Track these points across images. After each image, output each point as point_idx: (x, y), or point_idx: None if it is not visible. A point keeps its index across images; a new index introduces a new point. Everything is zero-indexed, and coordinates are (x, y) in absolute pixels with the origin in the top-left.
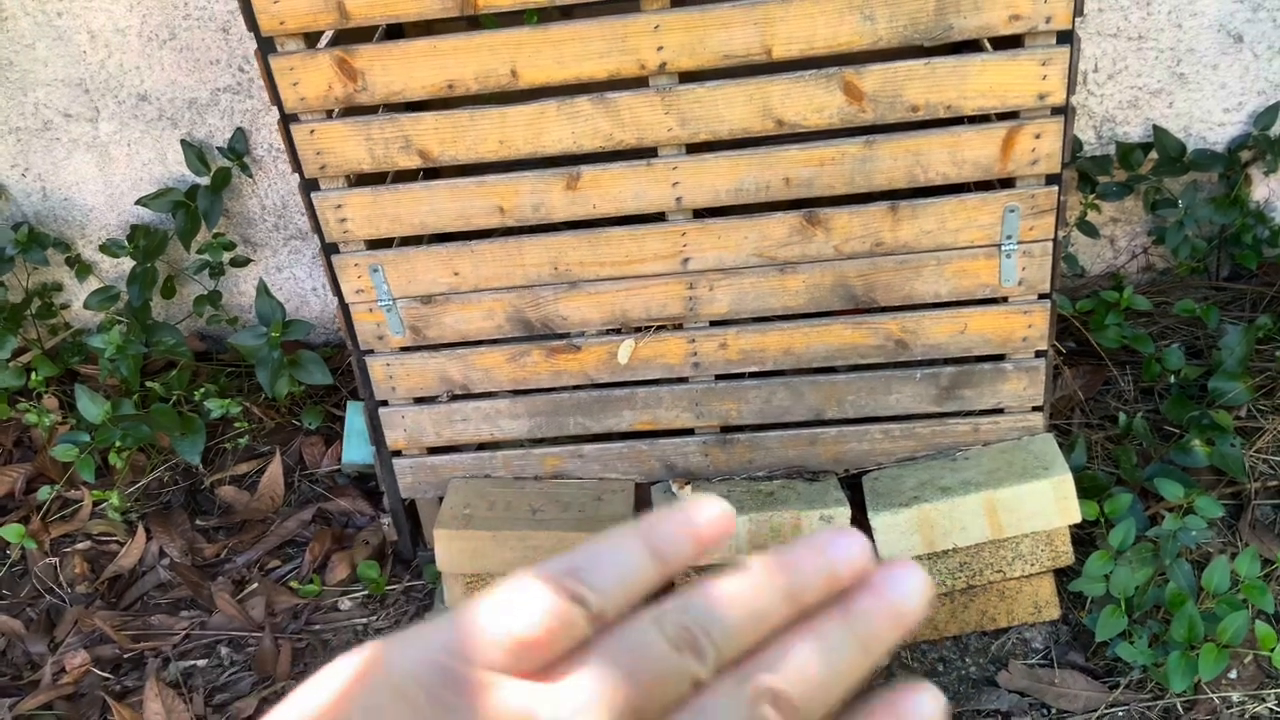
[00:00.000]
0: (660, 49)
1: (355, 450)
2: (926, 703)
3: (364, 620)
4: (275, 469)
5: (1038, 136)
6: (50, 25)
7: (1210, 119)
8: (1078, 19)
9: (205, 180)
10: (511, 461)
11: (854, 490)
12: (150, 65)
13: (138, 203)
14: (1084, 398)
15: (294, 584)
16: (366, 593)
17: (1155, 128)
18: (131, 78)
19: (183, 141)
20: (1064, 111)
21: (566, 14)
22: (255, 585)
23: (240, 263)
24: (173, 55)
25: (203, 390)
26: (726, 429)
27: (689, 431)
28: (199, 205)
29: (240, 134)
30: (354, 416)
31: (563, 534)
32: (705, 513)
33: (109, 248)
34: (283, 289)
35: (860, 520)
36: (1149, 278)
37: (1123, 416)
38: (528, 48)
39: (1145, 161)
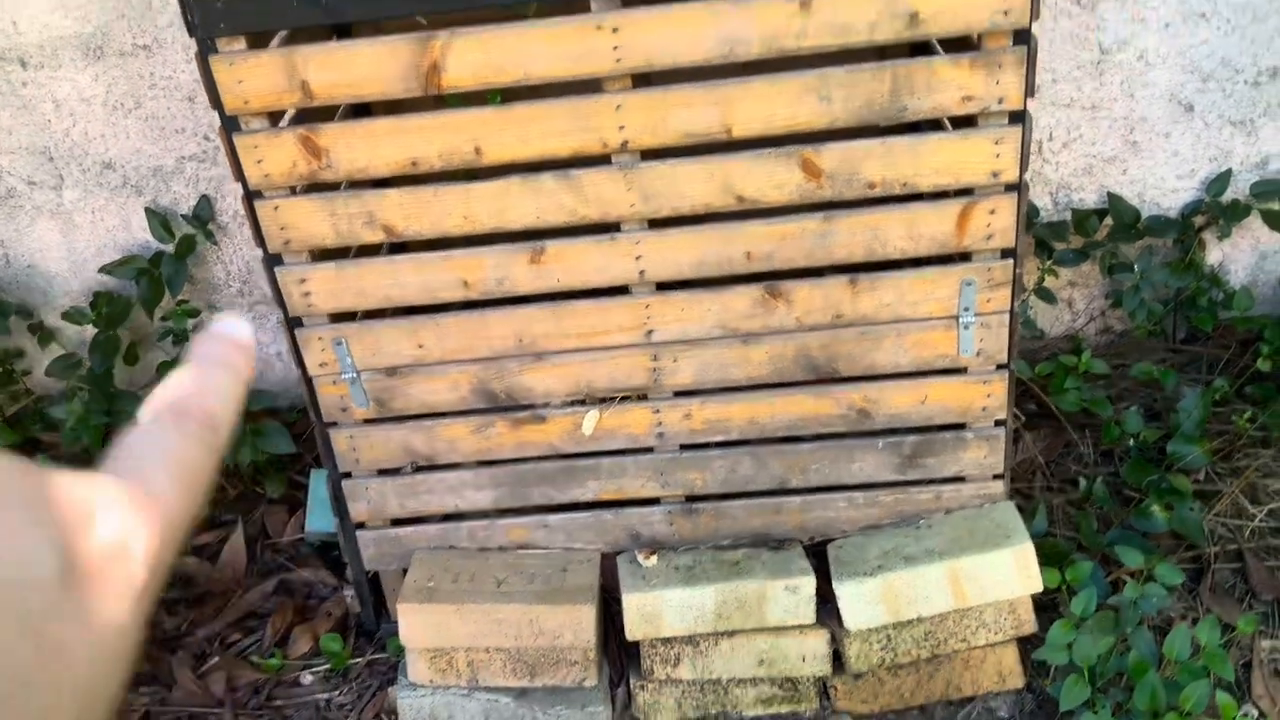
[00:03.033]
0: (622, 128)
1: (319, 519)
2: (235, 321)
3: (326, 695)
4: (237, 539)
5: (992, 212)
6: (15, 94)
7: (1164, 185)
8: (1029, 99)
9: (170, 247)
10: (476, 532)
11: (819, 558)
12: (115, 133)
13: (101, 270)
14: (1045, 461)
15: (256, 658)
16: (329, 666)
17: (1110, 194)
18: (96, 145)
19: (147, 209)
20: (1017, 188)
21: (533, 92)
22: (216, 659)
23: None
24: (138, 124)
25: None
26: (692, 498)
27: (654, 501)
28: (163, 272)
29: (205, 201)
30: (317, 484)
31: (528, 606)
32: (241, 332)
33: (72, 315)
34: None
35: (825, 589)
36: (1107, 339)
37: (1083, 481)
38: (492, 126)
39: (1101, 227)
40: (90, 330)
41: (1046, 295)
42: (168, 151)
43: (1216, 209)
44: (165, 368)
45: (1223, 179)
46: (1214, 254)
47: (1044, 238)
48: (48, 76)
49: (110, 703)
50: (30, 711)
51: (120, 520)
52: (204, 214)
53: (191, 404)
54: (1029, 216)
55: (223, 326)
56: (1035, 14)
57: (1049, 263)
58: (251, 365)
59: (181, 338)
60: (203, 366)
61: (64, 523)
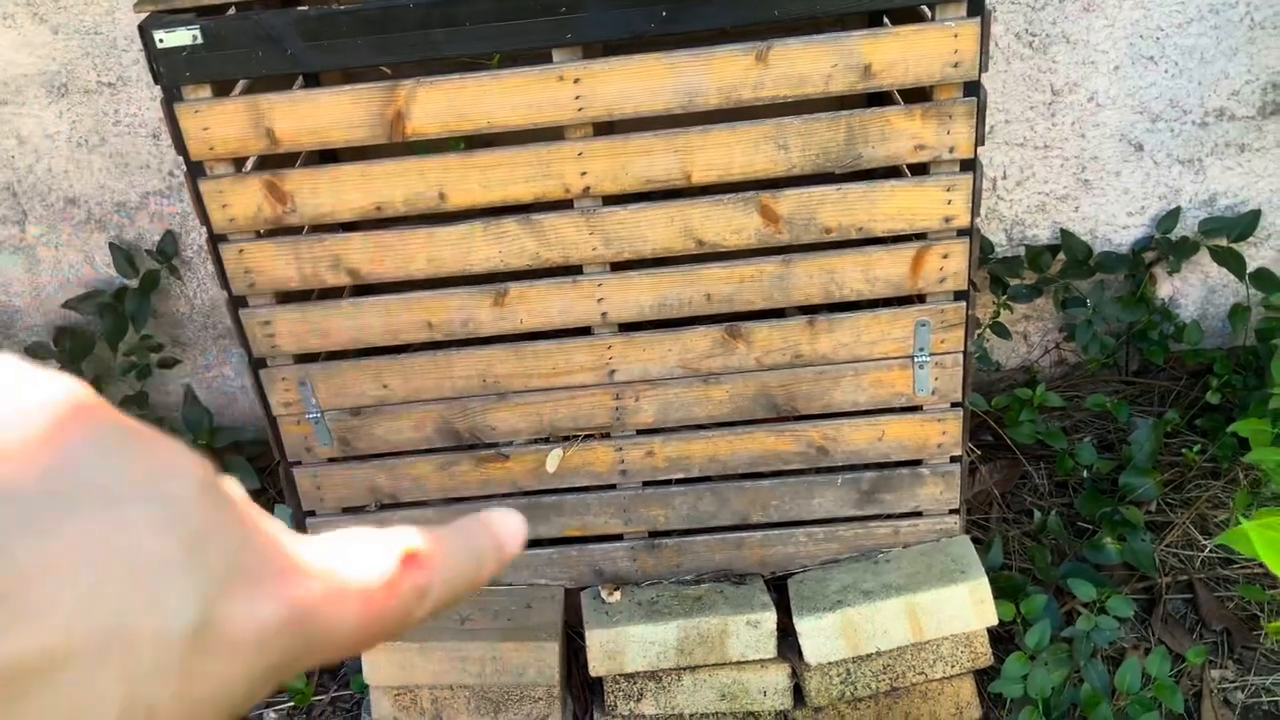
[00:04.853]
0: (584, 174)
1: None
2: (512, 518)
3: None
4: None
5: (945, 256)
6: None
7: (1115, 222)
8: (979, 147)
9: (134, 282)
10: None
11: (780, 592)
12: (79, 170)
13: (65, 305)
14: (1000, 493)
15: None
16: (292, 704)
17: (1062, 231)
18: (60, 181)
19: (111, 244)
20: (969, 233)
21: (496, 139)
22: None
23: (168, 364)
24: (102, 160)
25: None
26: (654, 534)
27: (618, 537)
28: (127, 307)
29: (170, 236)
30: (281, 519)
31: (492, 644)
32: (513, 531)
33: (35, 350)
34: (211, 388)
35: (786, 622)
36: (1061, 371)
37: (1037, 513)
38: (455, 172)
39: (1054, 263)
40: (53, 365)
41: (1001, 330)
42: (132, 187)
43: (1166, 245)
44: (128, 403)
45: (1172, 216)
46: (1164, 288)
47: (999, 273)
48: (12, 113)
49: None
50: None
51: (278, 604)
52: (168, 249)
53: (417, 572)
54: (984, 252)
55: (500, 520)
56: (984, 66)
57: (1004, 298)
58: (499, 568)
59: (144, 372)
60: (455, 538)
61: (225, 573)
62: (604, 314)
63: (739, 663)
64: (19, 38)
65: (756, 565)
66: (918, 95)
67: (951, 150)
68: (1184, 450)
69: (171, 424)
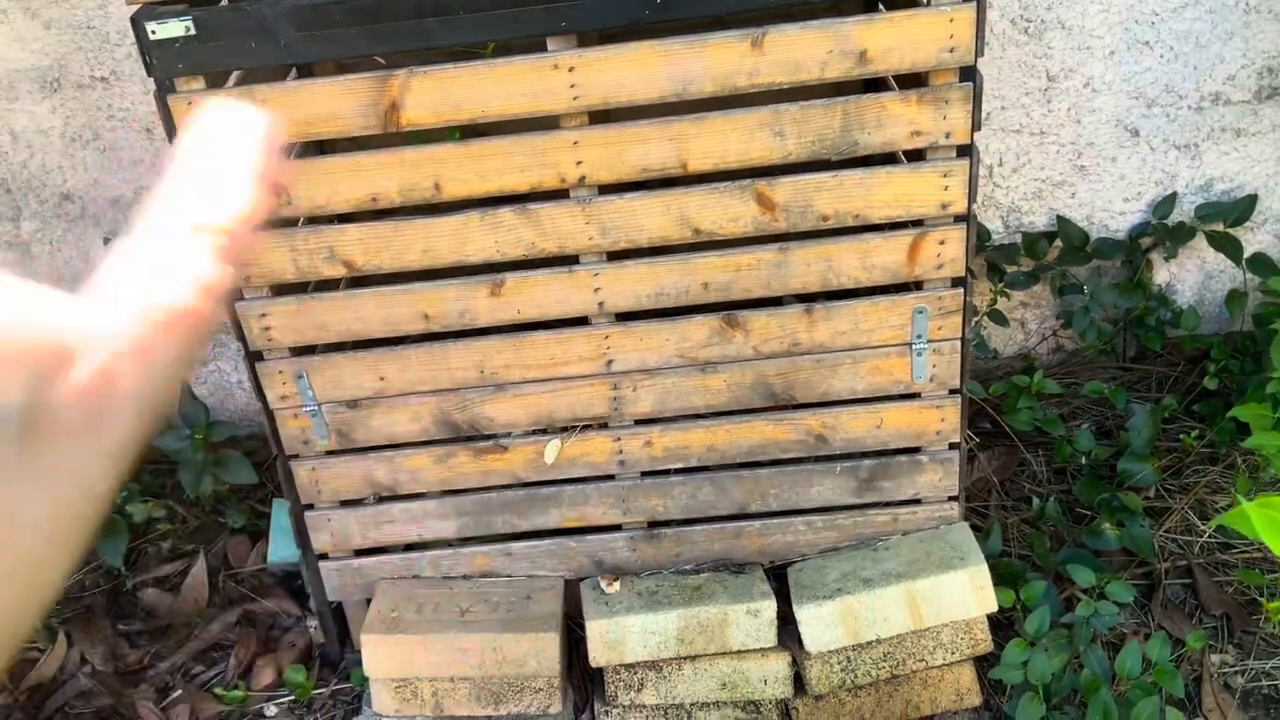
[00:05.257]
0: (580, 163)
1: (281, 548)
2: (232, 108)
3: None
4: (199, 570)
5: (942, 243)
6: None
7: (1111, 208)
8: (975, 133)
9: None
10: (440, 561)
11: (779, 580)
12: (73, 165)
13: None
14: (999, 480)
15: (219, 690)
16: (293, 697)
17: (1059, 218)
18: (54, 177)
19: (106, 240)
20: (966, 219)
21: (491, 128)
22: (179, 692)
23: None
24: (95, 155)
25: (125, 493)
26: (653, 524)
27: (617, 527)
28: None
29: None
30: (279, 514)
31: (492, 635)
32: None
33: None
34: (208, 383)
35: (786, 611)
36: (1059, 358)
37: (1036, 501)
38: (450, 163)
39: (1051, 249)
40: None
41: (999, 317)
42: (126, 182)
43: (1163, 231)
44: None
45: (1168, 202)
46: (1161, 274)
47: (996, 260)
48: (4, 108)
49: (65, 574)
50: None
51: (101, 366)
52: None
53: (211, 220)
54: (981, 239)
55: (221, 115)
56: (980, 51)
57: (1001, 285)
58: (269, 153)
59: None
60: (218, 171)
61: (38, 368)
62: (601, 304)
63: (739, 652)
64: (11, 33)
65: (756, 554)
66: (913, 81)
67: (948, 136)
68: (1182, 436)
69: (168, 420)
